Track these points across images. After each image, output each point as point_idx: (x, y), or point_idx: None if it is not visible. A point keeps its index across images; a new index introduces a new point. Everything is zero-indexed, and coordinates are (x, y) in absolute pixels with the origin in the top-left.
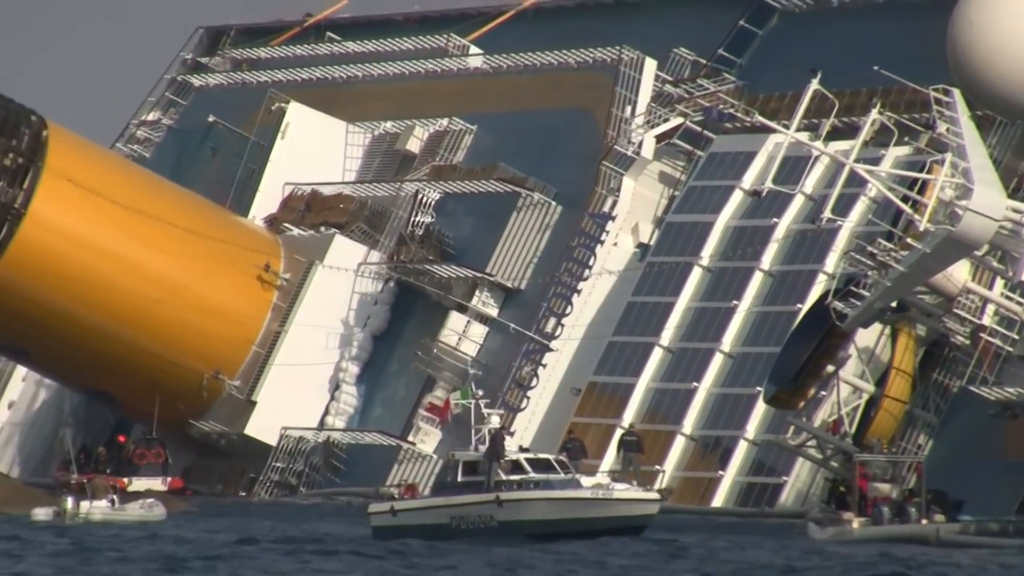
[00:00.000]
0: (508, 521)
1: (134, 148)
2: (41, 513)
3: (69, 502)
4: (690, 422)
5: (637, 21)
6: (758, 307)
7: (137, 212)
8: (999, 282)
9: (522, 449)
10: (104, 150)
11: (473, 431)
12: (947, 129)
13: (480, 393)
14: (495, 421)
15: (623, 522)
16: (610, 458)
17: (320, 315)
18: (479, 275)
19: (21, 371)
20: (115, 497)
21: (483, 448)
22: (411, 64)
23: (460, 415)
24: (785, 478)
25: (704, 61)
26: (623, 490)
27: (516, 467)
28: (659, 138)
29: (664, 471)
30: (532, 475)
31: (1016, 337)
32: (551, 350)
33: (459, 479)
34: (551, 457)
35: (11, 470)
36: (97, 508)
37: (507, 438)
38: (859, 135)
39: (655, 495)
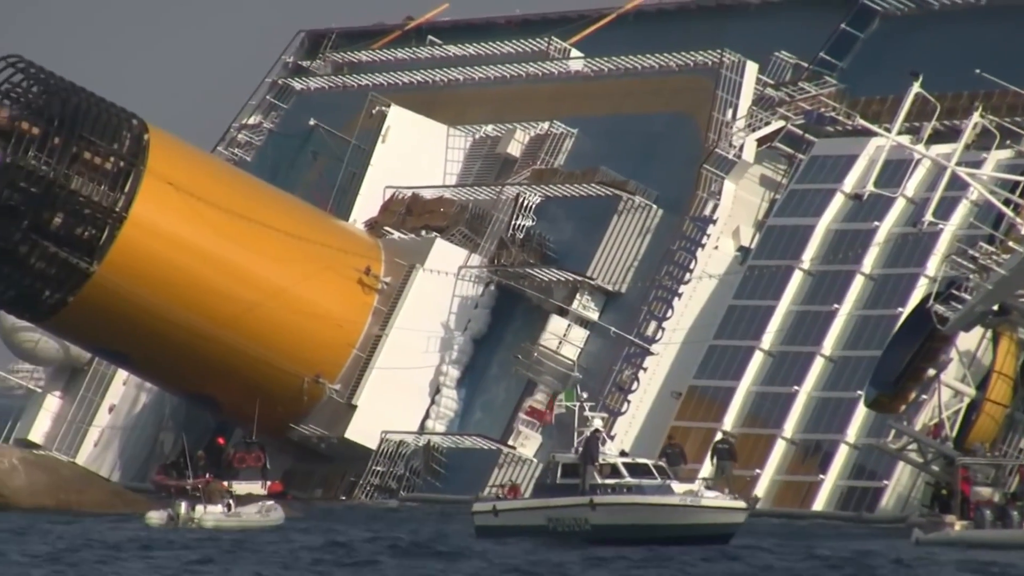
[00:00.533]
0: (601, 525)
1: (235, 152)
2: (155, 517)
3: (183, 506)
4: (790, 426)
5: (738, 24)
6: (859, 310)
7: (237, 216)
8: None
9: (622, 453)
10: (205, 154)
11: (575, 434)
12: None
13: (585, 396)
14: (597, 424)
15: (709, 530)
16: (708, 465)
17: (420, 319)
18: (580, 278)
19: (122, 375)
20: (231, 501)
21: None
22: (512, 67)
23: (563, 417)
24: (886, 482)
25: (805, 64)
26: (711, 498)
27: (613, 471)
28: (760, 141)
29: (759, 472)
30: (626, 480)
31: None
32: (652, 354)
33: (558, 481)
34: (650, 462)
35: (111, 474)
36: (211, 513)
37: (608, 441)
38: (961, 138)
39: (741, 504)
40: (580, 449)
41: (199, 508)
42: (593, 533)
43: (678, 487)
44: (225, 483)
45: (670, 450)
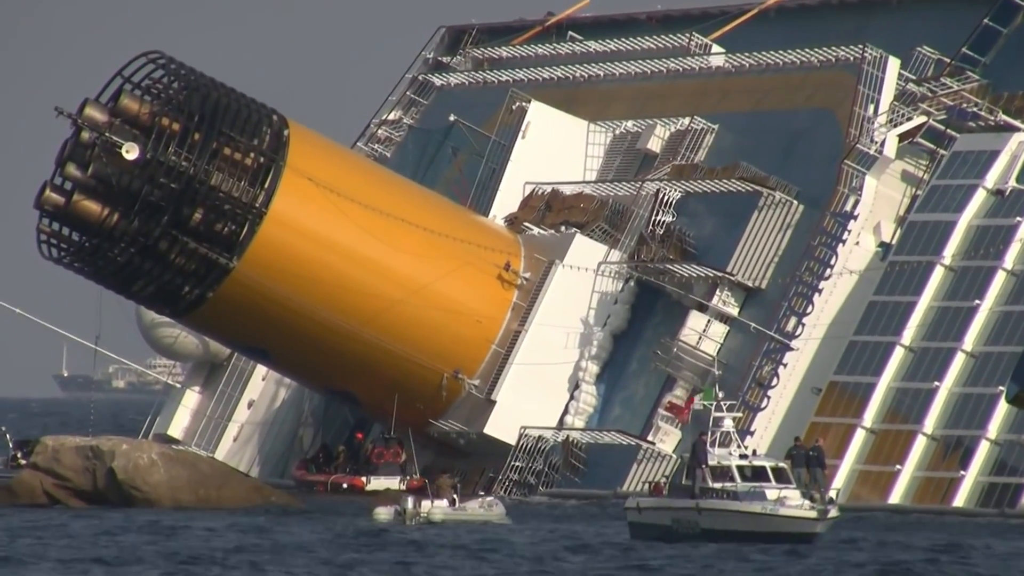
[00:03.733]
0: (707, 529)
1: (375, 148)
2: (383, 513)
3: (410, 501)
4: (931, 422)
5: (880, 19)
6: (1000, 306)
7: (378, 211)
8: None
9: (743, 456)
10: (345, 150)
11: (709, 433)
12: None
13: (721, 395)
14: (728, 424)
15: (786, 537)
16: (849, 458)
17: (560, 314)
18: (720, 274)
19: (261, 370)
20: (455, 496)
21: (714, 450)
22: (653, 63)
23: (699, 414)
24: None
25: (948, 59)
26: (792, 507)
27: (726, 474)
28: (902, 137)
29: (899, 468)
30: (727, 485)
31: None
32: (792, 349)
33: (683, 481)
34: (768, 464)
35: (251, 469)
36: (438, 508)
37: (737, 440)
38: None
39: (813, 512)
40: (715, 448)
41: (425, 503)
42: (703, 536)
43: (772, 494)
44: (363, 479)
45: (795, 452)
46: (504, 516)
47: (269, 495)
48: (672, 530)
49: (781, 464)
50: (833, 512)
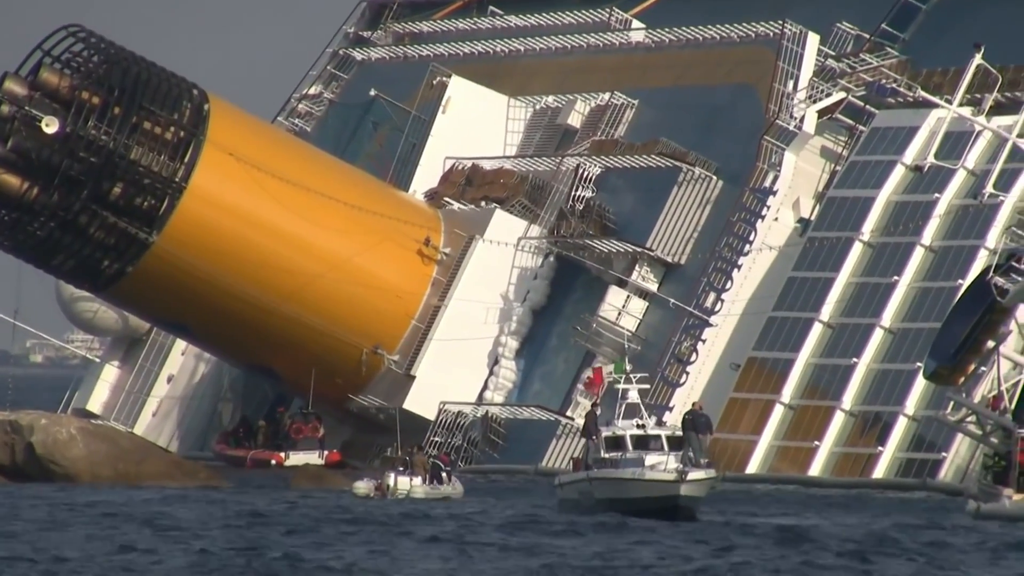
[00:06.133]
0: (600, 499)
1: (295, 122)
2: (363, 487)
3: (392, 477)
4: (849, 398)
5: None
6: (919, 282)
7: (298, 186)
8: None
9: (639, 426)
10: (265, 124)
11: (617, 406)
12: None
13: (630, 368)
14: (633, 396)
15: (654, 503)
16: (768, 434)
17: (480, 290)
18: (639, 250)
19: (180, 345)
20: (427, 474)
21: (619, 422)
22: (573, 38)
23: (612, 389)
24: (944, 454)
25: (867, 35)
26: (657, 471)
27: (618, 443)
28: (821, 113)
29: (817, 444)
30: (626, 453)
31: None
32: (711, 325)
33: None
34: (663, 433)
35: (170, 444)
36: (417, 485)
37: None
38: (1022, 110)
39: (672, 475)
40: (625, 421)
41: (403, 480)
42: (596, 507)
43: (649, 460)
44: (283, 454)
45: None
46: (462, 494)
47: (188, 469)
48: (579, 503)
49: (679, 433)
50: (697, 474)
